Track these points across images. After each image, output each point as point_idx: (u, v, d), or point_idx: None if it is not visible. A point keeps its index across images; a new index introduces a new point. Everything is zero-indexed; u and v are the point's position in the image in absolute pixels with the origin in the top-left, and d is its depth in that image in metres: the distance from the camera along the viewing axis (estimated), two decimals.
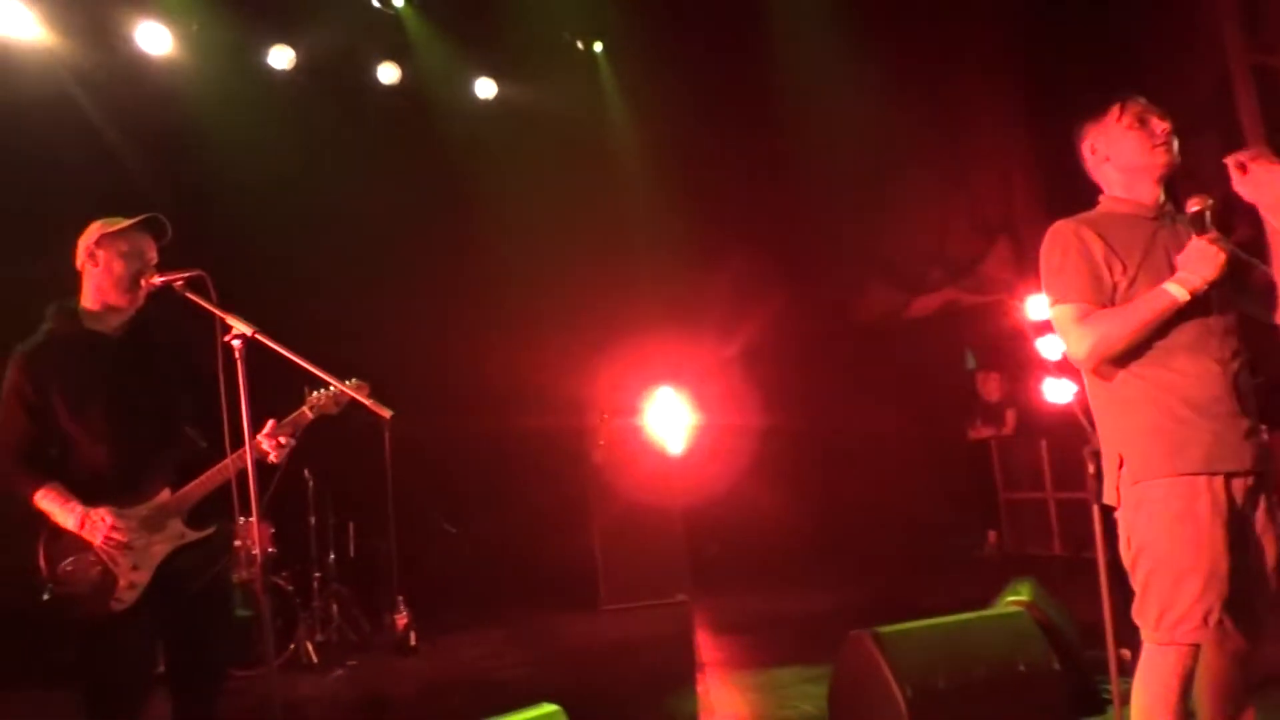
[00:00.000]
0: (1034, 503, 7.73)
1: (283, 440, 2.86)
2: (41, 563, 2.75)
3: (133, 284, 2.80)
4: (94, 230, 2.87)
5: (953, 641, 3.26)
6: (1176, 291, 2.28)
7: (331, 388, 2.88)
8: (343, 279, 6.49)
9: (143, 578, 2.73)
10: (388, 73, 6.88)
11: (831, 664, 3.47)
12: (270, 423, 2.86)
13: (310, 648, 5.56)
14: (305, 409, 2.93)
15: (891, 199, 7.32)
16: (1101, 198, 2.53)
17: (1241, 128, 4.99)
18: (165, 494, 2.79)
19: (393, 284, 6.67)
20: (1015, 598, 3.53)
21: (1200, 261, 2.27)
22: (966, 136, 7.10)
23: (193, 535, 2.80)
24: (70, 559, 2.70)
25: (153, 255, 2.85)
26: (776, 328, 8.23)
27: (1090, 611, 3.27)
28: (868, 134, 7.02)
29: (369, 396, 2.87)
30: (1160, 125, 2.42)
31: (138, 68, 5.94)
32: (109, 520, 2.68)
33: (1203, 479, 2.29)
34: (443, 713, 4.67)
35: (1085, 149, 2.51)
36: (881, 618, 3.40)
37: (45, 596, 2.71)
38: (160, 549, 2.76)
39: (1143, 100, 2.47)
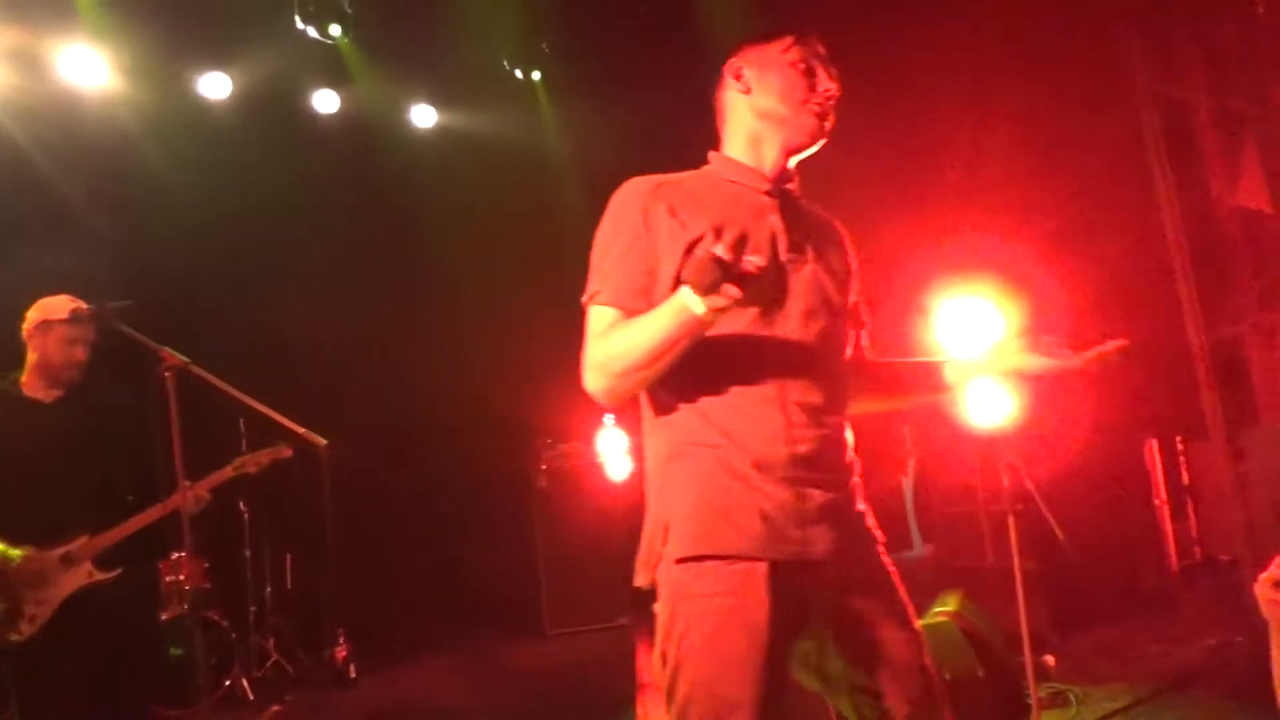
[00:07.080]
0: (966, 515, 7.95)
1: (202, 495, 3.10)
2: None
3: (64, 371, 3.04)
4: (37, 314, 3.06)
5: None
6: (692, 302, 1.54)
7: (257, 452, 3.24)
8: (281, 306, 6.43)
9: (44, 613, 2.91)
10: (325, 100, 6.87)
11: None
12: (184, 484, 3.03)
13: (246, 684, 5.47)
14: (229, 468, 3.22)
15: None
16: (711, 155, 1.90)
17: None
18: (84, 538, 3.01)
19: (331, 310, 6.62)
20: (943, 609, 3.65)
21: (694, 270, 1.53)
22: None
23: (99, 575, 3.01)
24: None
25: (92, 336, 3.04)
26: None
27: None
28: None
29: (295, 443, 3.02)
30: (826, 85, 1.80)
31: (70, 96, 5.85)
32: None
33: (760, 565, 1.61)
34: None
35: (729, 75, 1.87)
36: None
37: None
38: (67, 586, 2.96)
39: (826, 51, 1.84)
